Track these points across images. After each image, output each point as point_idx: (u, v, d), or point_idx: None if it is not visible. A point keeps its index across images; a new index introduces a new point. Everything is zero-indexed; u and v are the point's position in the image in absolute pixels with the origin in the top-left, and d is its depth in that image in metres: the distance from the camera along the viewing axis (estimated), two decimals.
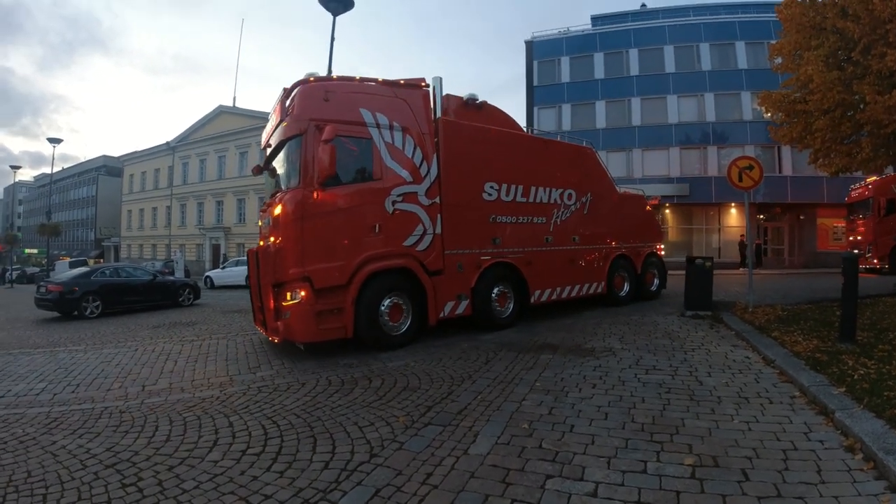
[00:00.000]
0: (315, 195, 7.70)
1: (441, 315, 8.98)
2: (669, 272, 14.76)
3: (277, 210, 8.02)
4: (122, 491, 3.70)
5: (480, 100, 10.31)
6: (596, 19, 40.43)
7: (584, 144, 12.94)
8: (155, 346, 9.69)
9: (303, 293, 7.61)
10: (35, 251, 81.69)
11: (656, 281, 14.08)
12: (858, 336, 6.94)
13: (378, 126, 8.44)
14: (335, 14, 13.14)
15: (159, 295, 17.92)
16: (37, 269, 51.20)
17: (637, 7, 41.13)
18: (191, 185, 52.87)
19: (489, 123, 10.19)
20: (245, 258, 18.37)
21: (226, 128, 48.35)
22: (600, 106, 35.82)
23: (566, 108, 36.61)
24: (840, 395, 4.72)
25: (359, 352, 8.11)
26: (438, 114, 9.27)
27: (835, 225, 31.34)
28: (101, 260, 63.62)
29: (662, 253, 14.59)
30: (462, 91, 10.20)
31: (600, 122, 35.60)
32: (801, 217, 32.95)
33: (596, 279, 12.03)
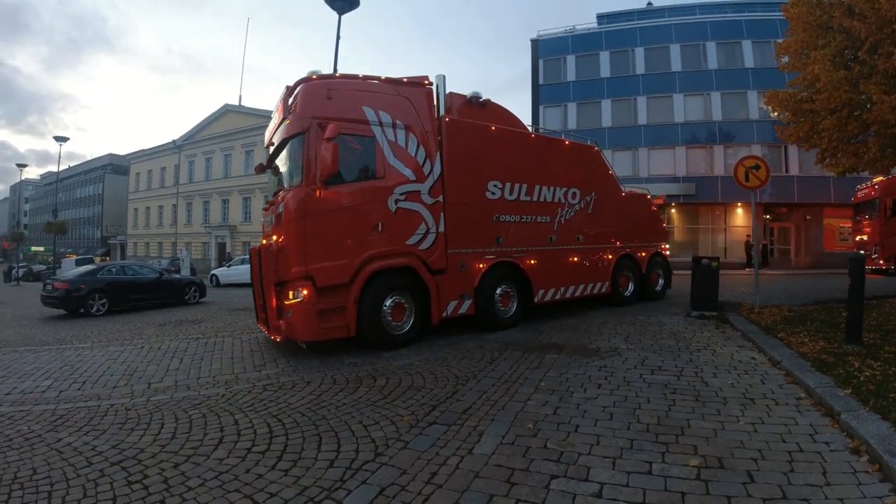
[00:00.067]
0: (317, 193, 7.69)
1: (444, 314, 8.97)
2: (675, 272, 14.71)
3: (280, 208, 8.02)
4: (127, 488, 3.71)
5: (484, 98, 10.28)
6: (602, 18, 40.36)
7: (589, 143, 12.90)
8: (161, 343, 9.73)
9: (305, 292, 7.59)
10: (41, 249, 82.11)
11: (661, 281, 14.01)
12: (864, 337, 6.91)
13: (381, 124, 8.42)
14: (340, 13, 13.13)
15: (165, 293, 17.97)
16: (43, 267, 51.40)
17: (643, 5, 41.01)
18: (197, 184, 53.01)
19: (493, 122, 10.14)
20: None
21: (231, 126, 48.47)
22: (606, 105, 35.75)
23: (572, 107, 36.54)
24: (846, 396, 4.70)
25: (364, 350, 8.12)
26: (442, 112, 9.24)
27: (841, 225, 31.17)
28: (108, 258, 63.93)
29: (667, 253, 14.52)
30: (465, 90, 10.16)
31: (606, 121, 35.52)
32: (808, 217, 32.82)
33: (600, 279, 11.98)
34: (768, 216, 33.14)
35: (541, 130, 19.00)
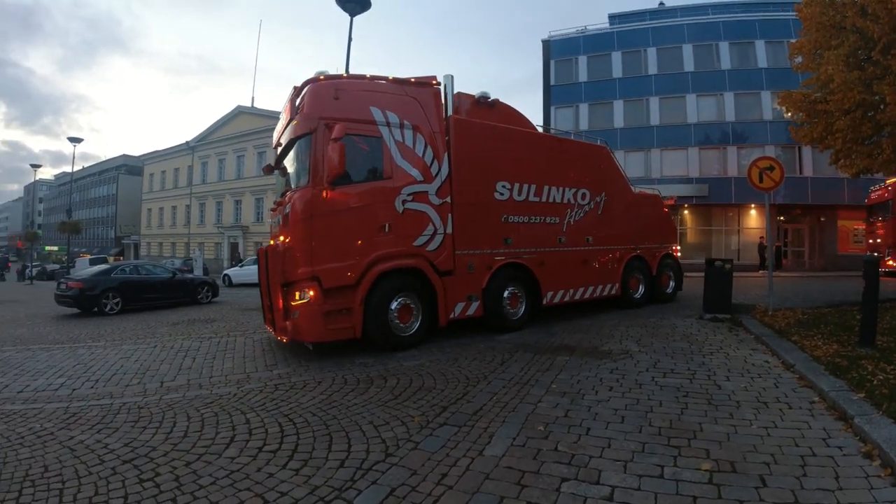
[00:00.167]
0: (324, 194, 7.68)
1: (451, 316, 8.93)
2: (688, 274, 14.61)
3: (287, 209, 8.02)
4: (139, 486, 3.74)
5: (492, 98, 10.23)
6: (613, 18, 40.18)
7: (599, 143, 12.83)
8: (173, 342, 9.80)
9: (311, 293, 7.59)
10: (55, 248, 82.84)
11: (672, 283, 13.89)
12: (878, 341, 6.83)
13: (388, 124, 8.40)
14: (352, 15, 13.16)
15: (178, 292, 18.07)
16: (57, 266, 51.86)
17: (655, 5, 40.79)
18: (210, 185, 53.38)
19: (501, 122, 10.11)
20: None
21: (244, 128, 48.74)
22: (618, 105, 35.56)
23: (584, 108, 36.40)
24: (859, 400, 4.66)
25: (374, 351, 8.12)
26: (450, 112, 9.21)
27: (856, 227, 30.81)
28: (121, 257, 64.43)
29: (678, 254, 14.42)
30: (475, 91, 10.13)
31: (618, 122, 35.35)
32: (822, 219, 32.51)
33: (610, 280, 11.90)
34: (782, 218, 32.86)
35: (552, 131, 18.91)
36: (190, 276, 21.77)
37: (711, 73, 33.41)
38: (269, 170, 9.65)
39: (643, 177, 31.75)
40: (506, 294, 9.71)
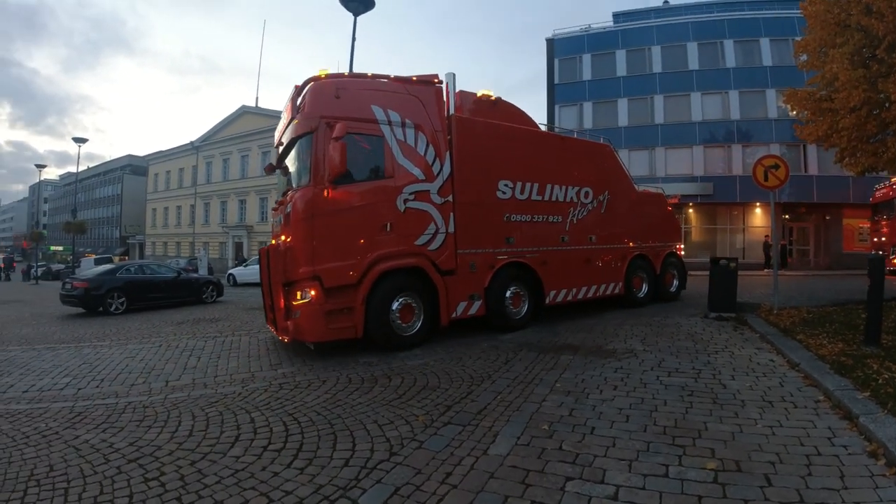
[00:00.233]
0: (325, 193, 7.65)
1: (453, 315, 8.90)
2: (693, 273, 14.57)
3: (288, 208, 8.00)
4: (144, 485, 3.75)
5: (495, 96, 10.20)
6: (618, 16, 40.14)
7: (602, 141, 12.80)
8: (178, 342, 9.83)
9: (312, 292, 7.57)
10: (60, 248, 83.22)
11: (676, 282, 13.83)
12: (883, 339, 6.81)
13: (390, 123, 8.37)
14: (356, 14, 13.19)
15: (183, 292, 18.10)
16: (62, 266, 52.08)
17: (659, 3, 40.73)
18: (214, 184, 53.50)
19: (504, 120, 10.06)
20: None
21: (248, 128, 48.82)
22: (622, 104, 35.52)
23: (588, 106, 36.36)
24: (864, 399, 4.65)
25: (379, 350, 8.12)
26: (452, 110, 9.17)
27: (861, 226, 30.71)
28: (126, 257, 64.70)
29: (682, 253, 14.37)
30: (479, 90, 10.09)
31: (622, 120, 35.29)
32: (827, 217, 32.39)
33: (613, 280, 11.86)
34: (787, 216, 32.75)
35: (556, 130, 18.88)
36: (195, 275, 21.81)
37: (716, 71, 33.34)
38: (270, 169, 9.64)
39: (647, 175, 31.71)
40: (508, 293, 9.67)
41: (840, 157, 13.91)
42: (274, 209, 9.57)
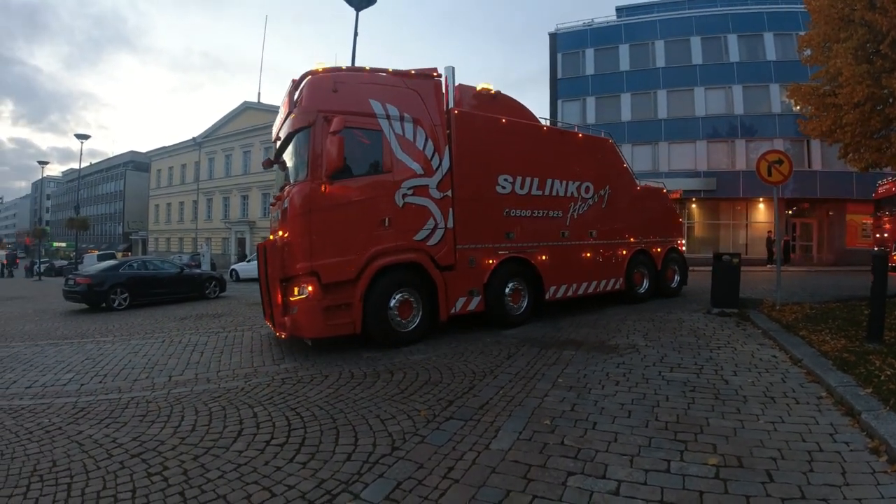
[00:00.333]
0: (323, 188, 7.58)
1: (452, 311, 8.85)
2: (696, 268, 14.55)
3: (285, 203, 7.94)
4: (147, 480, 3.77)
5: (494, 90, 10.11)
6: (621, 10, 39.96)
7: (603, 135, 12.77)
8: (181, 337, 9.85)
9: (310, 288, 7.51)
10: (63, 245, 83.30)
11: (677, 277, 13.77)
12: (886, 336, 6.79)
13: (388, 117, 8.30)
14: (358, 9, 13.16)
15: (186, 287, 18.15)
16: (65, 262, 52.21)
17: None
18: (217, 180, 53.46)
19: (503, 114, 9.95)
20: None
21: (251, 123, 48.72)
22: (626, 98, 35.44)
23: (591, 101, 36.30)
24: (867, 395, 4.64)
25: (381, 345, 8.11)
26: (451, 104, 9.10)
27: (864, 221, 30.56)
28: (129, 253, 64.80)
29: (683, 248, 14.33)
30: (477, 85, 10.01)
31: (626, 115, 35.22)
32: (830, 213, 32.33)
33: (614, 275, 11.80)
34: (790, 212, 32.67)
35: (559, 125, 18.82)
36: (197, 271, 21.83)
37: (720, 65, 33.24)
38: (268, 164, 9.56)
39: (651, 170, 31.64)
40: (508, 289, 9.61)
41: (844, 152, 13.87)
42: (272, 204, 9.50)
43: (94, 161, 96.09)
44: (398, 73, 8.73)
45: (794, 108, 20.74)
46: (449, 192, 8.84)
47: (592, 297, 11.46)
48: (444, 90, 9.09)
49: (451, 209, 8.84)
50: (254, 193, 49.04)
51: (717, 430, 4.29)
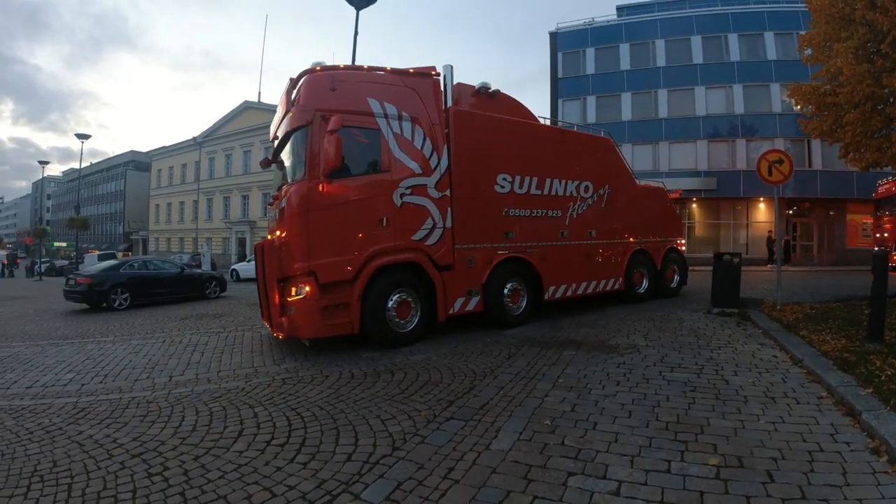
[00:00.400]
0: (320, 187, 7.52)
1: (451, 311, 8.80)
2: (696, 268, 14.54)
3: (283, 203, 7.89)
4: (147, 480, 3.77)
5: (493, 88, 10.06)
6: (621, 9, 39.97)
7: (602, 134, 12.72)
8: (182, 337, 9.85)
9: (307, 288, 7.46)
10: (64, 244, 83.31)
11: (676, 277, 13.73)
12: (887, 336, 6.79)
13: (386, 116, 8.25)
14: (358, 9, 13.15)
15: (186, 287, 18.15)
16: (65, 262, 52.23)
17: None
18: (217, 180, 53.46)
19: (502, 113, 9.93)
20: None
21: (251, 123, 48.68)
22: (626, 98, 35.45)
23: (591, 101, 36.31)
24: (867, 395, 4.64)
25: (381, 345, 8.10)
26: (449, 103, 9.05)
27: (864, 221, 30.56)
28: (130, 253, 64.83)
29: (683, 248, 14.30)
30: (475, 83, 9.98)
31: (626, 115, 35.23)
32: (831, 213, 32.32)
33: (613, 275, 11.76)
34: (791, 211, 32.66)
35: (559, 124, 18.80)
36: (198, 271, 21.85)
37: (720, 65, 33.24)
38: (266, 163, 9.48)
39: (651, 170, 31.64)
40: (507, 289, 9.57)
41: (844, 152, 13.86)
42: (270, 204, 9.46)
43: (94, 161, 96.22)
44: (396, 72, 8.68)
45: (794, 108, 20.70)
46: (447, 192, 8.79)
47: (592, 297, 11.45)
48: (442, 89, 9.04)
49: (449, 209, 8.79)
50: (254, 193, 49.03)
51: (717, 431, 4.29)
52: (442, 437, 4.39)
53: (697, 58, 33.86)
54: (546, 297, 10.25)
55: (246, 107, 50.28)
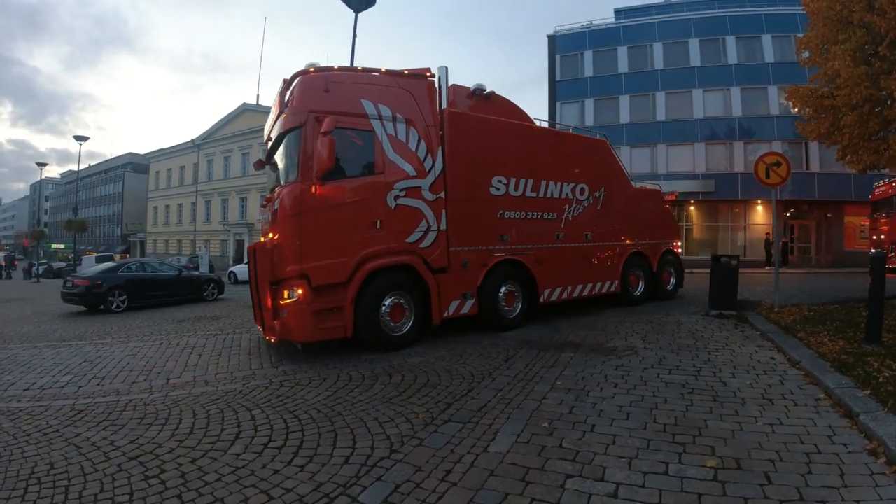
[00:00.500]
0: (313, 190, 7.45)
1: (445, 314, 8.75)
2: (694, 270, 14.54)
3: (276, 205, 7.82)
4: (144, 483, 3.76)
5: (489, 90, 10.01)
6: (619, 12, 40.05)
7: (598, 136, 12.69)
8: (180, 339, 9.84)
9: (300, 291, 7.40)
10: (61, 246, 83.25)
11: (673, 280, 13.72)
12: (884, 337, 6.80)
13: (380, 118, 8.19)
14: (357, 11, 13.17)
15: (184, 290, 18.12)
16: (63, 264, 52.18)
17: (661, 0, 40.62)
18: (215, 182, 53.46)
19: (497, 115, 9.88)
20: None
21: (249, 125, 48.65)
22: (624, 101, 35.51)
23: (589, 103, 36.36)
24: (865, 397, 4.64)
25: (375, 348, 8.08)
26: (444, 105, 9.02)
27: (862, 223, 30.57)
28: (128, 255, 64.76)
29: (679, 251, 14.27)
30: (471, 85, 9.95)
31: (624, 117, 35.29)
32: (829, 215, 32.38)
33: (609, 277, 11.72)
34: (788, 214, 32.72)
35: (557, 126, 18.81)
36: (196, 273, 21.85)
37: (718, 67, 33.34)
38: (259, 165, 9.44)
39: (649, 173, 31.68)
40: (502, 292, 9.52)
41: (842, 154, 13.90)
42: (263, 206, 9.39)
43: (92, 163, 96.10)
44: (391, 73, 8.63)
45: (792, 110, 20.79)
46: (442, 194, 8.74)
47: (589, 300, 11.45)
48: (437, 90, 8.99)
49: (444, 211, 8.74)
50: (252, 195, 49.01)
51: (715, 433, 4.29)
52: (440, 439, 4.39)
53: (695, 60, 33.94)
54: (541, 299, 10.20)
55: (244, 109, 50.31)
